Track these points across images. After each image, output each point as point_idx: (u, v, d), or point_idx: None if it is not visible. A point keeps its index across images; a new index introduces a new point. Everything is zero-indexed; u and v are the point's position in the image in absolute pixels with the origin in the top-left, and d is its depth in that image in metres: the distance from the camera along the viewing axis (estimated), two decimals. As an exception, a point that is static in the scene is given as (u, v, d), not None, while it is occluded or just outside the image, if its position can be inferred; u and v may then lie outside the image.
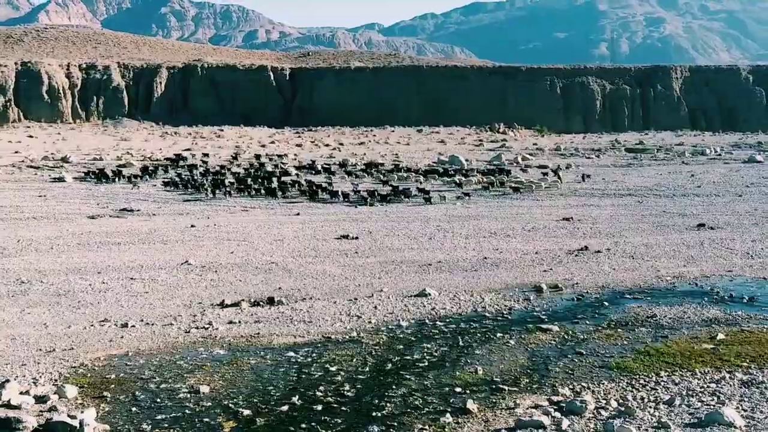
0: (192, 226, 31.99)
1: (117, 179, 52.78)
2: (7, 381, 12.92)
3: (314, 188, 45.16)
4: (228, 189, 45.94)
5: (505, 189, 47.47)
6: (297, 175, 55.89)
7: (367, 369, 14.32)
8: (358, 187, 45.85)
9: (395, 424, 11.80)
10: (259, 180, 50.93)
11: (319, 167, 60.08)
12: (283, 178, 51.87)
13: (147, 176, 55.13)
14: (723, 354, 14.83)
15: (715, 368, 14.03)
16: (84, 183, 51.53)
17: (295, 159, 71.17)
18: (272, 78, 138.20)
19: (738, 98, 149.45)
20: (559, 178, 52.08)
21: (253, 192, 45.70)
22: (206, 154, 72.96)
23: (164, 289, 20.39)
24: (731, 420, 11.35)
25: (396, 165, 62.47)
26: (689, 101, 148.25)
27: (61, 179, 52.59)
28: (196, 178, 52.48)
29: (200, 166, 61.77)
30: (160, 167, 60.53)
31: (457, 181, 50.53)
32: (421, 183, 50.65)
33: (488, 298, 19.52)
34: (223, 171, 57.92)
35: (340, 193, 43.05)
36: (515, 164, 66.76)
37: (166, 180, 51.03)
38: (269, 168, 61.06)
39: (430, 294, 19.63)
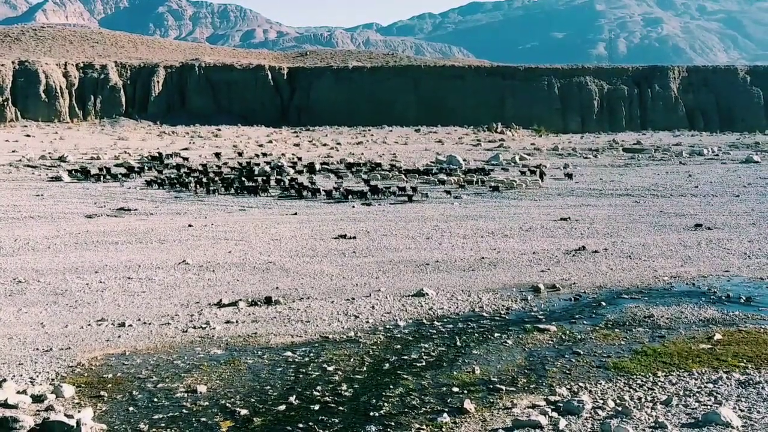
0: (189, 225, 31.97)
1: (102, 178, 53.12)
2: (4, 380, 12.89)
3: (298, 186, 45.95)
4: (214, 187, 46.60)
5: (485, 187, 48.70)
6: (280, 173, 56.56)
7: (365, 369, 14.30)
8: (341, 186, 47.10)
9: (393, 423, 11.79)
10: (241, 178, 51.51)
11: (300, 166, 61.20)
12: (273, 177, 52.64)
13: (134, 175, 55.53)
14: (720, 354, 14.83)
15: (712, 368, 14.04)
16: (81, 182, 51.54)
17: (292, 159, 71.21)
18: (270, 77, 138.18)
19: (736, 98, 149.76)
20: (541, 177, 52.76)
21: (234, 190, 46.30)
22: (179, 154, 73.23)
23: (161, 288, 20.36)
24: (728, 420, 11.35)
25: (378, 164, 63.14)
26: (687, 101, 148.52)
27: (58, 178, 52.57)
28: (182, 176, 53.05)
29: (182, 165, 62.42)
30: (146, 166, 61.06)
31: (440, 180, 51.46)
32: (406, 182, 51.21)
33: (486, 298, 19.51)
34: (206, 169, 58.51)
35: (322, 191, 44.26)
36: (513, 164, 66.99)
37: (148, 179, 51.33)
38: (265, 167, 61.45)
39: (427, 294, 19.62)
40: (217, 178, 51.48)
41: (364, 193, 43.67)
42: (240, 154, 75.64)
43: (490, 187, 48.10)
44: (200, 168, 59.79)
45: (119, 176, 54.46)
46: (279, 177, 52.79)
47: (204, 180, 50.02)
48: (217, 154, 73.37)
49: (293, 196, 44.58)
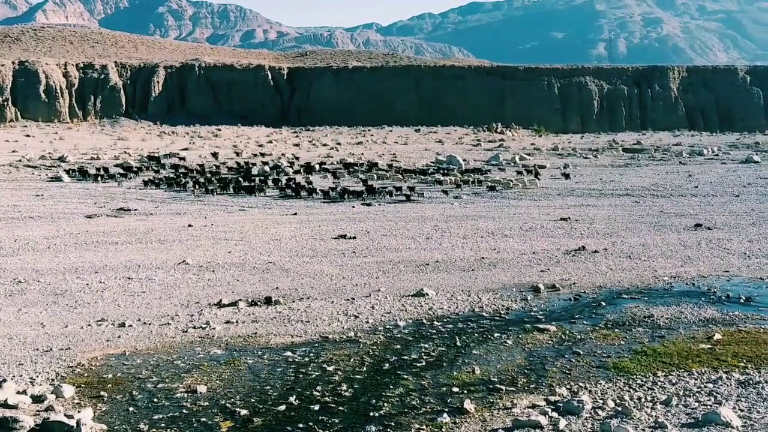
0: (189, 225, 31.97)
1: (100, 178, 53.24)
2: (4, 380, 12.89)
3: (295, 186, 46.16)
4: (212, 187, 46.85)
5: (482, 187, 48.98)
6: (278, 174, 56.70)
7: (365, 369, 14.30)
8: (339, 186, 47.41)
9: (392, 424, 11.79)
10: (238, 178, 51.68)
11: (297, 166, 61.55)
12: (271, 177, 52.85)
13: (132, 175, 55.62)
14: (720, 354, 14.83)
15: (712, 368, 14.03)
16: (81, 183, 51.55)
17: (290, 159, 71.23)
18: (270, 77, 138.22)
19: (735, 98, 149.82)
20: (536, 176, 53.01)
21: (233, 190, 46.44)
22: (176, 154, 73.19)
23: (161, 288, 20.36)
24: (728, 420, 11.35)
25: (375, 164, 63.25)
26: (687, 101, 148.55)
27: (58, 179, 52.58)
28: (179, 177, 53.19)
29: (179, 165, 62.56)
30: (143, 166, 61.20)
31: (436, 180, 51.75)
32: (404, 181, 51.38)
33: (485, 298, 19.51)
34: (203, 169, 58.66)
35: (319, 191, 44.64)
36: (513, 164, 67.05)
37: (145, 179, 51.41)
38: (264, 167, 61.59)
39: (427, 294, 19.62)
40: (213, 178, 51.54)
41: (361, 193, 43.80)
42: (237, 154, 75.79)
43: (487, 186, 48.29)
44: (197, 168, 59.93)
45: (117, 176, 54.57)
46: (276, 177, 52.92)
47: (201, 180, 50.11)
48: (214, 154, 73.41)
49: (291, 195, 44.70)
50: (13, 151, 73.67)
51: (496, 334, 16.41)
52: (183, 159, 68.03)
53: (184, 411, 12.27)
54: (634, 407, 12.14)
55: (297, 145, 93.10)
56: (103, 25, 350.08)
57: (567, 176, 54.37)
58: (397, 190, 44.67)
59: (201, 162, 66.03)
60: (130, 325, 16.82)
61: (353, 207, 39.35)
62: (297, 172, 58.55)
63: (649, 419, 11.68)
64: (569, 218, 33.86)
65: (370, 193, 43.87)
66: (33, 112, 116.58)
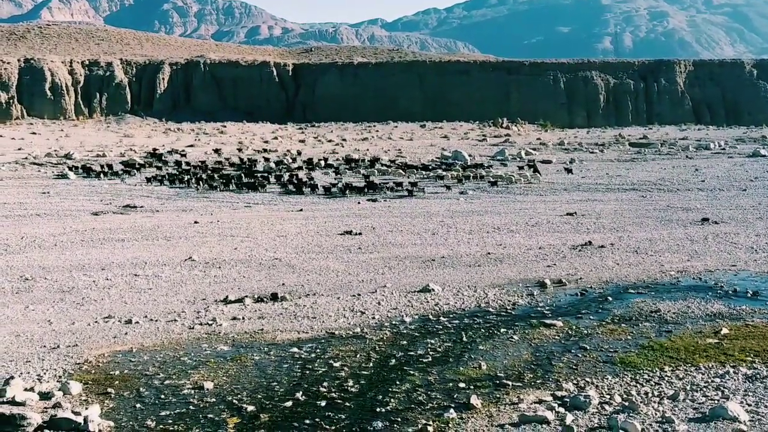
0: (195, 222, 32.01)
1: (103, 175, 53.30)
2: (12, 378, 12.94)
3: (297, 182, 46.15)
4: (216, 184, 47.08)
5: (484, 182, 48.65)
6: (281, 170, 56.69)
7: (371, 365, 14.32)
8: (341, 181, 47.33)
9: (399, 419, 11.80)
10: (241, 175, 51.70)
11: (300, 162, 61.67)
12: (274, 173, 53.07)
13: (135, 171, 55.62)
14: (727, 349, 14.80)
15: (719, 363, 14.01)
16: (87, 180, 51.65)
17: (292, 155, 71.23)
18: (275, 74, 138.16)
19: (742, 92, 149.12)
20: (537, 172, 52.87)
21: (236, 186, 46.62)
22: (178, 151, 73.08)
23: (168, 285, 20.40)
24: (735, 414, 11.33)
25: (377, 159, 63.15)
26: (693, 95, 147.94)
27: (64, 176, 52.67)
28: (181, 173, 53.20)
29: (181, 162, 62.53)
30: (146, 162, 61.20)
31: (438, 176, 51.74)
32: (407, 177, 51.28)
33: (492, 293, 19.49)
34: (205, 166, 58.66)
35: (320, 187, 44.55)
36: (519, 159, 66.94)
37: (148, 176, 51.43)
38: (269, 164, 61.63)
39: (433, 289, 19.61)
40: (215, 175, 51.56)
41: (363, 189, 43.71)
42: (240, 150, 75.81)
43: (489, 182, 48.12)
44: (199, 164, 59.89)
45: (120, 173, 54.62)
46: (279, 173, 52.93)
47: (203, 177, 50.07)
48: (217, 150, 73.39)
49: (293, 191, 44.61)
50: (20, 149, 73.82)
51: (502, 330, 16.40)
52: (185, 155, 68.02)
53: (191, 407, 12.30)
54: (641, 402, 12.12)
55: (302, 141, 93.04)
56: (108, 23, 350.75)
57: (569, 171, 54.18)
58: (398, 185, 44.50)
59: (204, 158, 66.00)
60: (137, 322, 16.86)
61: (359, 203, 39.33)
62: (299, 168, 58.52)
63: (656, 414, 11.66)
64: (575, 213, 33.80)
65: (371, 189, 43.75)
66: (39, 109, 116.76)
